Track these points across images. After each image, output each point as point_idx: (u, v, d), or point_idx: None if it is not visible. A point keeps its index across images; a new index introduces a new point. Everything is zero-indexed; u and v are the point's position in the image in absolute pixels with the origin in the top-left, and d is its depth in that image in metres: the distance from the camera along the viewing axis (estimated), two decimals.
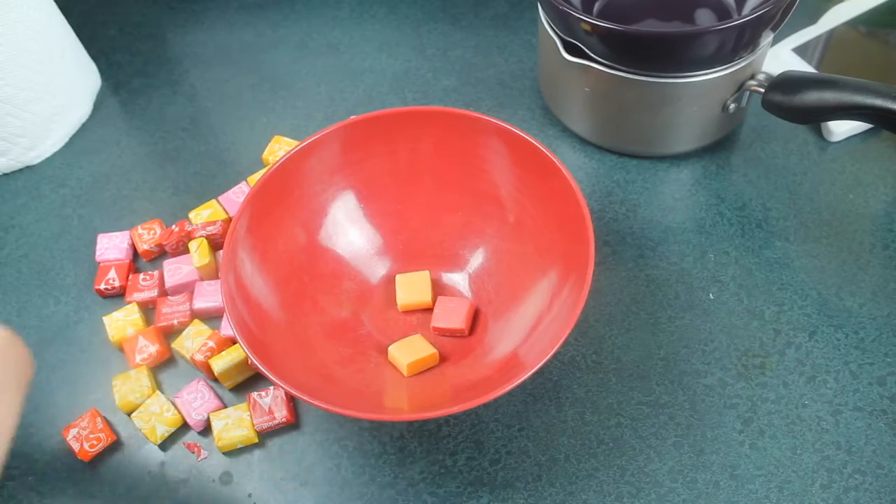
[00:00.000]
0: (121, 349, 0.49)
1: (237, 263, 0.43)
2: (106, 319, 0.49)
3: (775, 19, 0.47)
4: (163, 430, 0.45)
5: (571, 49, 0.51)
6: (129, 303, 0.50)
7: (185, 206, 0.56)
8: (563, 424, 0.44)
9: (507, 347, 0.44)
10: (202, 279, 0.51)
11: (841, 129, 0.55)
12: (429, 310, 0.47)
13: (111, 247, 0.53)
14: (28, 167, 0.60)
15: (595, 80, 0.51)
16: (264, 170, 0.53)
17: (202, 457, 0.45)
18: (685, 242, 0.51)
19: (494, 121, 0.46)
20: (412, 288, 0.47)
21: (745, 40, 0.47)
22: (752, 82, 0.51)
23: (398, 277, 0.48)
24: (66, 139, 0.61)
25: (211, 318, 0.50)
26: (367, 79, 0.64)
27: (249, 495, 0.43)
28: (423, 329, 0.47)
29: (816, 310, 0.47)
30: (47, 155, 0.60)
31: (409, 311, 0.48)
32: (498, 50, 0.64)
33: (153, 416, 0.45)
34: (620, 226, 0.52)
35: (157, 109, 0.63)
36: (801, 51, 0.59)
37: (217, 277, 0.51)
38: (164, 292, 0.51)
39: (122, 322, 0.49)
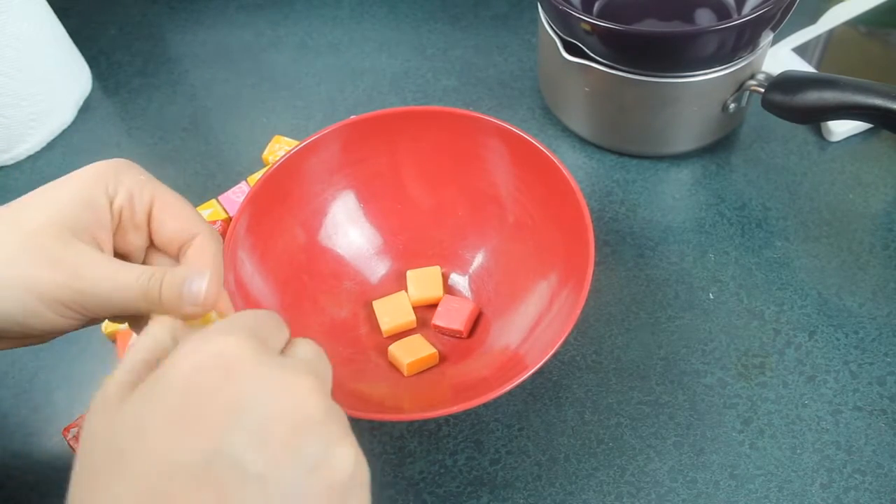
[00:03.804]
0: (112, 341, 0.49)
1: (237, 263, 0.43)
2: None
3: (775, 19, 0.47)
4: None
5: (571, 49, 0.51)
6: None
7: None
8: (563, 424, 0.44)
9: (507, 347, 0.44)
10: None
11: (841, 129, 0.55)
12: (434, 306, 0.47)
13: None
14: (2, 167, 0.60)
15: (595, 80, 0.51)
16: (264, 170, 0.53)
17: None
18: (685, 242, 0.51)
19: (494, 121, 0.46)
20: (424, 283, 0.48)
21: (745, 40, 0.47)
22: (752, 82, 0.51)
23: (409, 273, 0.48)
24: (45, 143, 0.61)
25: None
26: (367, 79, 0.64)
27: None
28: (423, 328, 0.47)
29: (816, 310, 0.47)
30: (22, 158, 0.60)
31: (417, 306, 0.48)
32: (498, 50, 0.64)
33: None
34: (620, 226, 0.52)
35: (157, 109, 0.63)
36: (801, 51, 0.59)
37: None
38: None
39: None
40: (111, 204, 0.33)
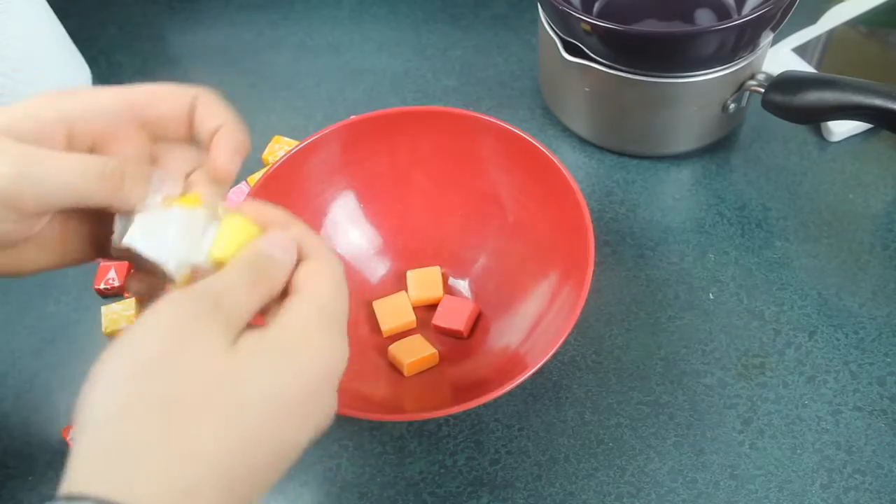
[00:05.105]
0: None
1: None
2: (104, 309, 0.49)
3: (775, 19, 0.47)
4: None
5: (571, 49, 0.51)
6: (128, 296, 0.50)
7: None
8: (563, 424, 0.44)
9: (507, 347, 0.44)
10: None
11: (841, 129, 0.55)
12: (434, 306, 0.47)
13: None
14: None
15: (595, 80, 0.51)
16: (264, 170, 0.53)
17: None
18: (685, 242, 0.51)
19: (494, 121, 0.46)
20: (424, 283, 0.48)
21: (745, 40, 0.47)
22: (752, 82, 0.51)
23: (409, 273, 0.48)
24: None
25: None
26: (367, 79, 0.64)
27: None
28: (423, 328, 0.47)
29: (816, 310, 0.47)
30: None
31: (417, 306, 0.48)
32: (498, 50, 0.64)
33: None
34: (620, 226, 0.52)
35: None
36: (801, 51, 0.59)
37: None
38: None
39: (117, 315, 0.49)
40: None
